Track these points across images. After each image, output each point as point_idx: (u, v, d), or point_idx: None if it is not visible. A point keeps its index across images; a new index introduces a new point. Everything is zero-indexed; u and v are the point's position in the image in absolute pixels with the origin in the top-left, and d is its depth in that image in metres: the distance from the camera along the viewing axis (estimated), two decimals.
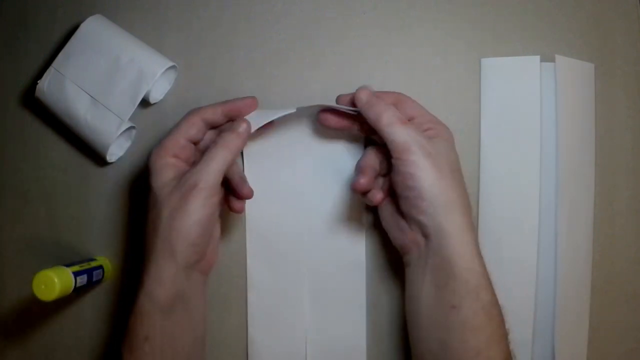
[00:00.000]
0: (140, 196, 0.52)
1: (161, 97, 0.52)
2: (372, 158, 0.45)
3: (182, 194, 0.42)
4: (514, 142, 0.49)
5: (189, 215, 0.42)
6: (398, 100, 0.45)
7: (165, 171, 0.44)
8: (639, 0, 0.51)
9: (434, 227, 0.41)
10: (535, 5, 0.50)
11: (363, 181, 0.43)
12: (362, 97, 0.44)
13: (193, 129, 0.45)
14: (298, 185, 0.51)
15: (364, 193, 0.45)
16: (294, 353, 0.50)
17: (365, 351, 0.50)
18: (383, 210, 0.46)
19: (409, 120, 0.44)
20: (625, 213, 0.50)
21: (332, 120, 0.47)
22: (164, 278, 0.42)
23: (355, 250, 0.50)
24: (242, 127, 0.45)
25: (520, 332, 0.48)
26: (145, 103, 0.51)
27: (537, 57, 0.49)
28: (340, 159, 0.50)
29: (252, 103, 0.46)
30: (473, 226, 0.42)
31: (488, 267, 0.42)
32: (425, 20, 0.51)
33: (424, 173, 0.41)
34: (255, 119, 0.46)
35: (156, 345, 0.42)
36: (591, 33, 0.50)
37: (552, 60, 0.49)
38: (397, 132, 0.41)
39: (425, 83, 0.51)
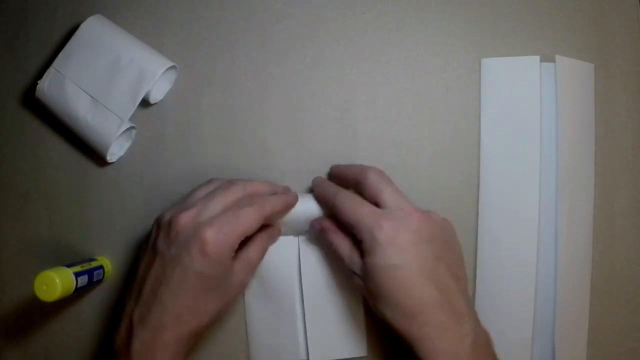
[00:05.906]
0: (139, 196, 0.52)
1: (161, 97, 0.52)
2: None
3: (231, 295, 0.44)
4: (514, 142, 0.49)
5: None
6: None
7: (227, 263, 0.43)
8: (639, 0, 0.51)
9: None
10: (535, 5, 0.50)
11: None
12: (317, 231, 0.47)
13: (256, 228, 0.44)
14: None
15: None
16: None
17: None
18: None
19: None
20: (625, 213, 0.50)
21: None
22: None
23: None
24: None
25: (520, 332, 0.48)
26: (145, 103, 0.51)
27: (537, 57, 0.49)
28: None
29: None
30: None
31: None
32: (425, 20, 0.51)
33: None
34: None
35: None
36: (591, 33, 0.50)
37: (552, 60, 0.49)
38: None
39: (425, 83, 0.51)
